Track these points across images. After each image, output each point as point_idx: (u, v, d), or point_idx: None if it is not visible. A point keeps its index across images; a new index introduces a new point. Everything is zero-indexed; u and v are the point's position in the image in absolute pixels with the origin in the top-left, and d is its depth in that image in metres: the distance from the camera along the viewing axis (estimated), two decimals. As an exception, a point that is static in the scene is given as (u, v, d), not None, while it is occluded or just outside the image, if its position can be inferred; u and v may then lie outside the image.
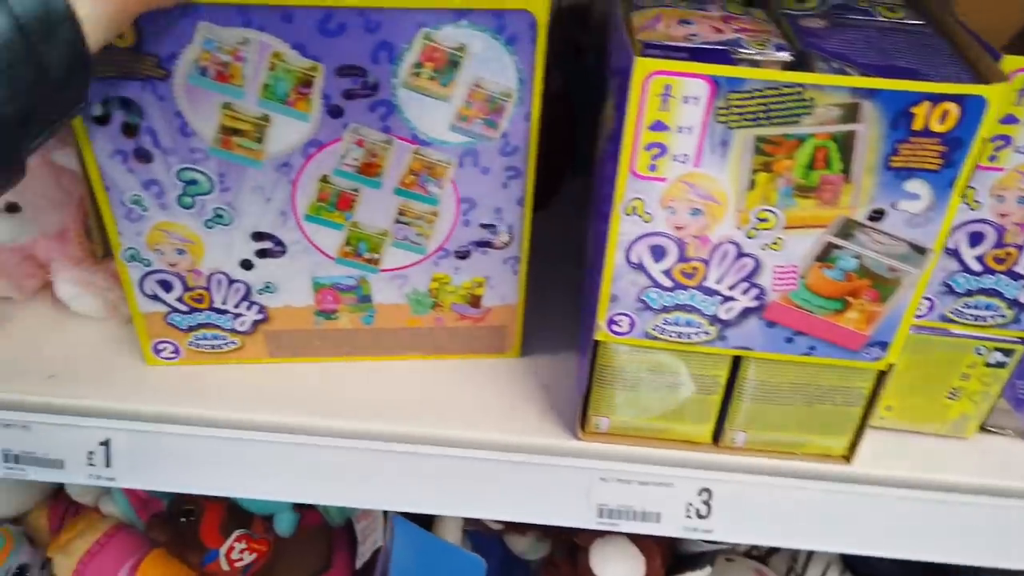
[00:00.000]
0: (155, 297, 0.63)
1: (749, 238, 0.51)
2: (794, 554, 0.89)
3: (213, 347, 0.67)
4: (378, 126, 0.55)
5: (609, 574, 0.77)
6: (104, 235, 0.60)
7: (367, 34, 0.51)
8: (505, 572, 0.92)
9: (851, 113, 0.46)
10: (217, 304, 0.64)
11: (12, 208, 0.66)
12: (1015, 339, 0.59)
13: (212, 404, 0.64)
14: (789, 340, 0.55)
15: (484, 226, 0.62)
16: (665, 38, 0.49)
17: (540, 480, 0.63)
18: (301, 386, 0.66)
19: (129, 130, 0.54)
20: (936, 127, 0.46)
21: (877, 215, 0.49)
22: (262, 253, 0.61)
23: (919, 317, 0.59)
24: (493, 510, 0.65)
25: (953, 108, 0.45)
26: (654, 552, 0.78)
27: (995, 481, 0.62)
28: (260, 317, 0.65)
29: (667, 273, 0.53)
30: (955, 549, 0.63)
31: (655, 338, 0.56)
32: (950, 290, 0.58)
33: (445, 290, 0.65)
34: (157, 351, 0.67)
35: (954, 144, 0.46)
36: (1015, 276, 0.56)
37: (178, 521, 0.83)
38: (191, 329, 0.65)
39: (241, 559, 0.84)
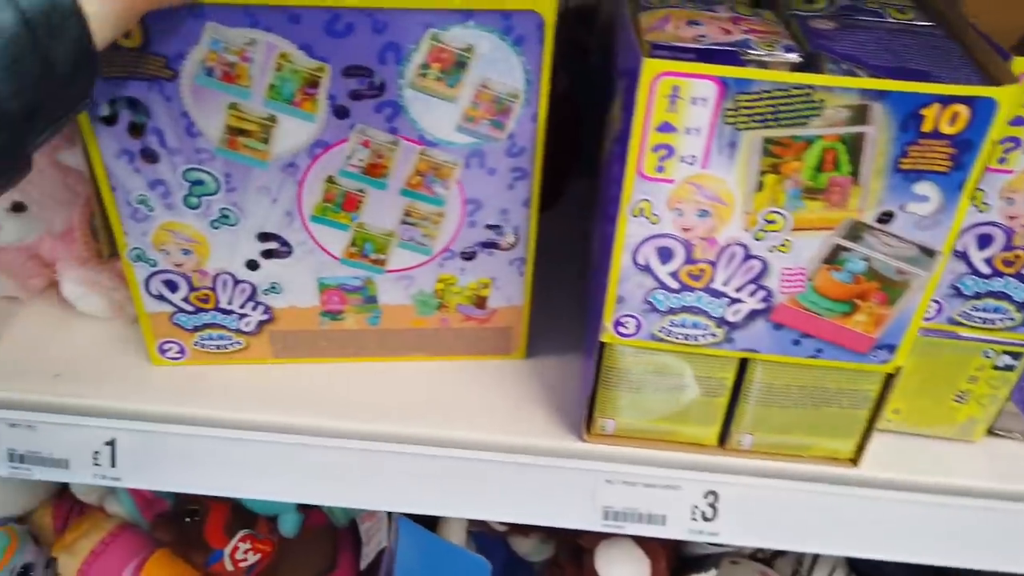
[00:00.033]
0: (161, 297, 0.63)
1: (757, 240, 0.51)
2: (799, 557, 0.89)
3: (218, 347, 0.67)
4: (384, 127, 0.55)
5: (614, 576, 0.77)
6: (110, 235, 0.60)
7: (374, 35, 0.51)
8: (509, 574, 0.92)
9: (860, 115, 0.45)
10: (223, 304, 0.64)
11: (18, 207, 0.66)
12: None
13: (217, 404, 0.64)
14: (796, 342, 0.55)
15: (490, 227, 0.62)
16: (673, 39, 0.49)
17: (545, 482, 0.63)
18: (306, 387, 0.66)
19: (135, 130, 0.54)
20: (946, 129, 0.46)
21: (886, 217, 0.49)
22: (268, 254, 0.61)
23: (927, 319, 0.58)
24: (498, 512, 0.64)
25: (963, 110, 0.45)
26: (659, 554, 0.78)
27: (1002, 485, 0.62)
28: (265, 317, 0.65)
29: (674, 275, 0.53)
30: (962, 553, 0.63)
31: (661, 340, 0.56)
32: (958, 293, 0.57)
33: (451, 291, 0.65)
34: (162, 351, 0.67)
35: (964, 146, 0.46)
36: (1024, 279, 0.56)
37: (183, 521, 0.83)
38: (196, 329, 0.65)
39: (245, 559, 0.84)
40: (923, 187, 0.48)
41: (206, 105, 0.53)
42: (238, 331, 0.66)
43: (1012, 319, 0.58)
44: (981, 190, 0.53)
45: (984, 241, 0.55)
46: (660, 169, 0.49)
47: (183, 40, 0.51)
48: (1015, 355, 0.59)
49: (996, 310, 0.58)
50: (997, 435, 0.65)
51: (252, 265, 0.62)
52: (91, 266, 0.70)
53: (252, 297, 0.64)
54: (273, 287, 0.63)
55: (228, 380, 0.66)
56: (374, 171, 0.57)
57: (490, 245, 0.63)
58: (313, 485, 0.64)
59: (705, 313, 0.54)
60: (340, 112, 0.54)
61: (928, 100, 0.45)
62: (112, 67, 0.51)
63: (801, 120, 0.46)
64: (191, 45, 0.51)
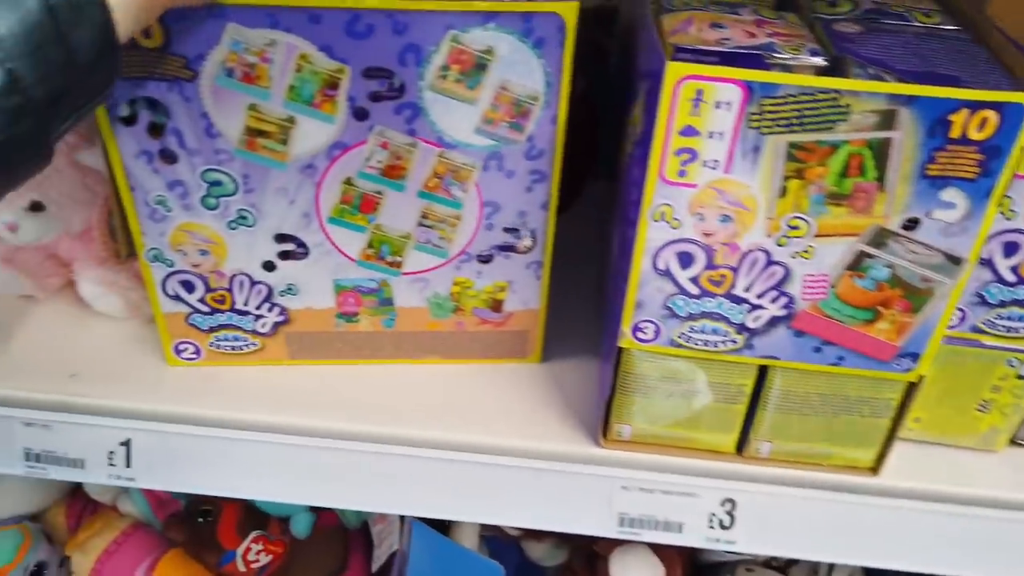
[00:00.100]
0: (177, 298, 0.63)
1: (779, 246, 0.50)
2: (815, 566, 0.88)
3: (234, 348, 0.67)
4: (403, 129, 0.55)
5: (628, 583, 0.77)
6: (128, 235, 0.60)
7: (394, 36, 0.51)
8: (521, 578, 0.91)
9: (887, 120, 0.45)
10: (239, 305, 0.64)
11: (37, 207, 0.66)
12: (1049, 352, 0.58)
13: (232, 406, 0.64)
14: (817, 350, 0.54)
15: (507, 230, 0.61)
16: (697, 42, 0.49)
17: (561, 488, 0.63)
18: (321, 389, 0.66)
19: (155, 130, 0.54)
20: (974, 135, 0.45)
21: (911, 224, 0.48)
22: (285, 255, 0.61)
23: (950, 328, 0.58)
24: (513, 517, 0.64)
25: (992, 116, 0.44)
26: (675, 561, 0.77)
27: (1025, 496, 0.61)
28: (281, 319, 0.65)
29: (694, 280, 0.52)
30: (983, 564, 0.62)
31: (680, 346, 0.56)
32: (983, 301, 0.56)
33: (467, 294, 0.65)
34: (178, 352, 0.67)
35: (992, 152, 0.45)
36: (1050, 287, 0.55)
37: (195, 521, 0.83)
38: (212, 330, 0.65)
39: (257, 560, 0.84)
40: (950, 194, 0.47)
41: (225, 106, 0.53)
42: (254, 332, 0.66)
43: (1037, 328, 0.57)
44: (1008, 197, 0.52)
45: (1010, 249, 0.54)
46: (682, 173, 0.48)
47: (203, 41, 0.51)
48: (1040, 365, 0.59)
49: (1021, 319, 0.57)
50: (1020, 445, 0.64)
51: (269, 266, 0.62)
52: (109, 266, 0.70)
53: (268, 298, 0.64)
54: (289, 288, 0.63)
55: (243, 381, 0.66)
56: (392, 173, 0.57)
57: (507, 248, 0.62)
58: (327, 488, 0.64)
59: (725, 319, 0.54)
60: (359, 114, 0.54)
61: (957, 105, 0.44)
62: (132, 67, 0.51)
63: (827, 125, 0.45)
64: (211, 46, 0.51)
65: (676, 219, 0.50)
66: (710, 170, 0.48)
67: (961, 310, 0.57)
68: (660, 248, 0.51)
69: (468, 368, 0.69)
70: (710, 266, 0.52)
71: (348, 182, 0.57)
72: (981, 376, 0.60)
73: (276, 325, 0.65)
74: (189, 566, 0.85)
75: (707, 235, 0.50)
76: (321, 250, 0.61)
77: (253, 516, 0.85)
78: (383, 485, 0.64)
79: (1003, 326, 0.57)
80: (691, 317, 0.54)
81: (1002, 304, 0.56)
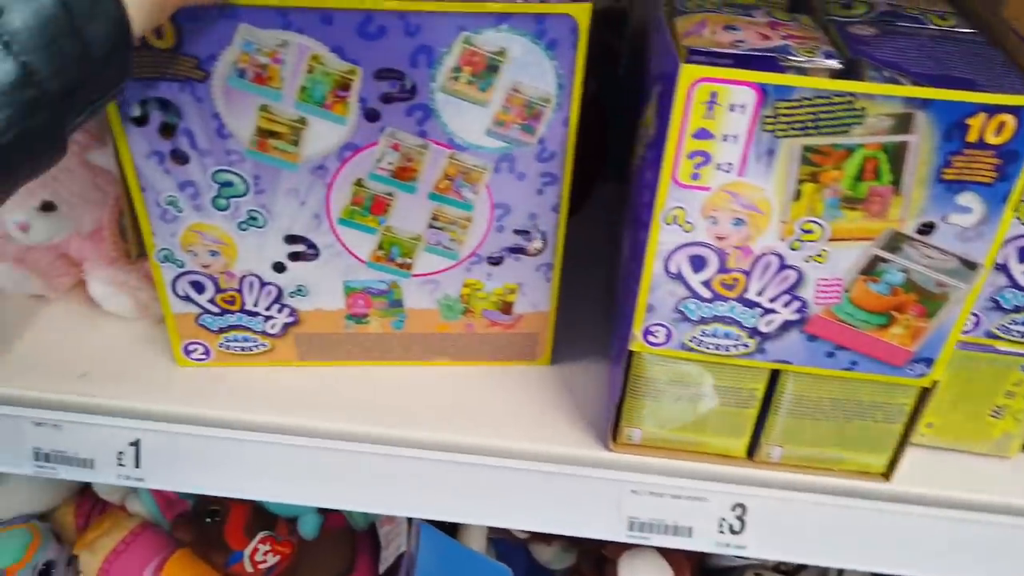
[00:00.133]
0: (187, 298, 0.63)
1: (793, 250, 0.50)
2: (825, 571, 0.87)
3: (243, 349, 0.67)
4: (414, 130, 0.55)
5: (636, 587, 0.76)
6: (138, 235, 0.60)
7: (407, 37, 0.51)
8: (529, 581, 0.91)
9: (903, 124, 0.44)
10: (248, 306, 0.64)
11: (48, 207, 0.66)
12: (1064, 358, 0.58)
13: (241, 406, 0.64)
14: (830, 354, 0.54)
15: (518, 232, 0.61)
16: (711, 44, 0.48)
17: (570, 491, 0.62)
18: (330, 390, 0.66)
19: (166, 131, 0.54)
20: (991, 139, 0.44)
21: (926, 228, 0.48)
22: (295, 256, 0.61)
23: (964, 333, 0.57)
24: (522, 520, 0.64)
25: (1010, 120, 0.44)
26: (683, 566, 0.77)
27: (1038, 503, 0.60)
28: (291, 320, 0.65)
29: (706, 284, 0.52)
30: (995, 571, 0.62)
31: (692, 350, 0.55)
32: (997, 306, 0.56)
33: (476, 296, 0.65)
34: (188, 352, 0.66)
35: (1009, 157, 0.45)
36: (1066, 293, 0.55)
37: (203, 521, 0.83)
38: (222, 331, 0.65)
39: (265, 561, 0.84)
40: (966, 198, 0.46)
41: (237, 107, 0.53)
42: (263, 333, 0.66)
43: (1053, 334, 0.57)
44: (1024, 201, 0.51)
45: (1026, 254, 0.53)
46: (695, 176, 0.48)
47: (216, 41, 0.50)
48: (1054, 370, 0.58)
49: (1036, 324, 0.56)
50: (1033, 451, 0.64)
51: (279, 267, 0.61)
52: (119, 266, 0.70)
53: (278, 299, 0.63)
54: (299, 289, 0.63)
55: (252, 382, 0.66)
56: (403, 175, 0.57)
57: (517, 250, 0.62)
58: (335, 489, 0.64)
59: (737, 323, 0.53)
60: (371, 115, 0.54)
61: (974, 109, 0.44)
62: (144, 68, 0.51)
63: (842, 128, 0.45)
64: (223, 46, 0.51)
65: (689, 222, 0.50)
66: (724, 173, 0.47)
67: (975, 315, 0.56)
68: (672, 251, 0.51)
69: (477, 370, 0.69)
70: (722, 270, 0.51)
71: (359, 183, 0.57)
72: (995, 382, 0.60)
73: (286, 326, 0.65)
74: (197, 566, 0.85)
75: (720, 238, 0.50)
76: (331, 251, 0.61)
77: (261, 517, 0.85)
78: (391, 487, 0.64)
79: (1017, 331, 0.57)
80: (703, 321, 0.54)
81: (1016, 309, 0.56)
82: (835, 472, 0.61)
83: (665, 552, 0.77)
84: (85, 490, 0.92)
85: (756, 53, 0.48)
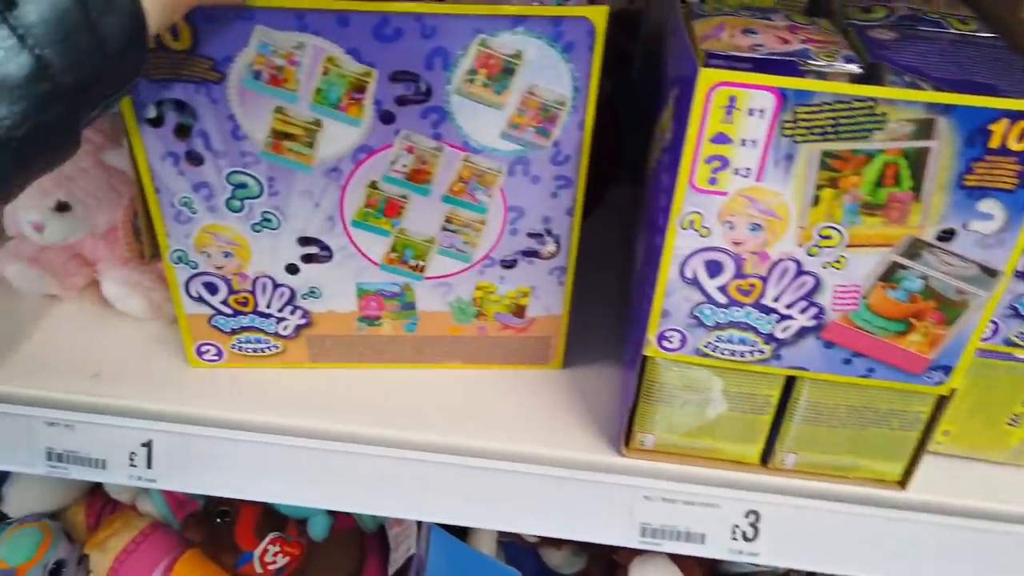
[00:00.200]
0: (200, 299, 0.63)
1: (810, 256, 0.49)
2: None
3: (256, 351, 0.67)
4: (429, 133, 0.55)
5: (647, 592, 0.76)
6: (152, 236, 0.60)
7: (422, 40, 0.51)
8: (538, 585, 0.91)
9: (925, 129, 0.44)
10: (261, 308, 0.64)
11: (63, 207, 0.66)
12: (1084, 366, 0.57)
13: (253, 408, 0.63)
14: (847, 361, 0.53)
15: (532, 235, 0.61)
16: (730, 48, 0.48)
17: (582, 496, 0.62)
18: (342, 392, 0.66)
19: (182, 132, 0.54)
20: (1014, 145, 0.44)
21: (946, 235, 0.47)
22: (308, 258, 0.61)
23: (983, 340, 0.56)
24: (533, 525, 0.63)
25: (1033, 126, 0.43)
26: (695, 572, 0.76)
27: (1057, 513, 0.59)
28: (303, 322, 0.65)
29: (722, 289, 0.52)
30: (1012, 582, 0.61)
31: (707, 355, 0.55)
32: (1016, 313, 0.55)
33: (489, 299, 0.64)
34: (200, 353, 0.66)
35: (1032, 163, 0.44)
36: (1087, 301, 0.54)
37: (213, 522, 0.83)
38: (234, 332, 0.65)
39: (275, 562, 0.84)
40: (987, 205, 0.46)
41: (252, 108, 0.53)
42: (276, 335, 0.66)
43: (1073, 342, 0.56)
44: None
45: (1046, 261, 0.53)
46: (713, 181, 0.47)
47: (232, 43, 0.50)
48: (1074, 379, 0.57)
49: (1056, 332, 0.56)
50: (1051, 461, 0.63)
51: (292, 269, 0.61)
52: (133, 267, 0.70)
53: (291, 301, 0.63)
54: (312, 291, 0.63)
55: (264, 384, 0.66)
56: (417, 177, 0.57)
57: (531, 254, 0.62)
58: (347, 492, 0.64)
59: (753, 329, 0.53)
60: (386, 117, 0.54)
61: (997, 115, 0.43)
62: (160, 69, 0.51)
63: (863, 134, 0.44)
64: (239, 48, 0.51)
65: (705, 227, 0.49)
66: (741, 178, 0.47)
67: (994, 323, 0.56)
68: (688, 256, 0.51)
69: (489, 373, 0.69)
70: (739, 275, 0.51)
71: (373, 186, 0.57)
72: (1013, 390, 0.59)
73: (298, 328, 0.65)
74: (206, 567, 0.85)
75: (737, 244, 0.49)
76: (344, 253, 0.61)
77: (271, 518, 0.85)
78: (402, 490, 0.64)
79: (1036, 339, 0.56)
80: (718, 326, 0.53)
81: (1036, 317, 0.55)
82: (850, 480, 0.60)
83: (676, 558, 0.77)
84: (96, 489, 0.92)
85: (775, 57, 0.47)
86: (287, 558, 0.85)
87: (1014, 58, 0.50)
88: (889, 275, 0.49)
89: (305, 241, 0.60)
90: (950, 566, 0.61)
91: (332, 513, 0.87)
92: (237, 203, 0.58)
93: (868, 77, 0.47)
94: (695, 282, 0.52)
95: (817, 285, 0.50)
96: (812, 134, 0.45)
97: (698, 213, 0.49)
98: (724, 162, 0.47)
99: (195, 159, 0.55)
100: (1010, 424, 0.61)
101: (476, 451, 0.62)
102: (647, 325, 0.54)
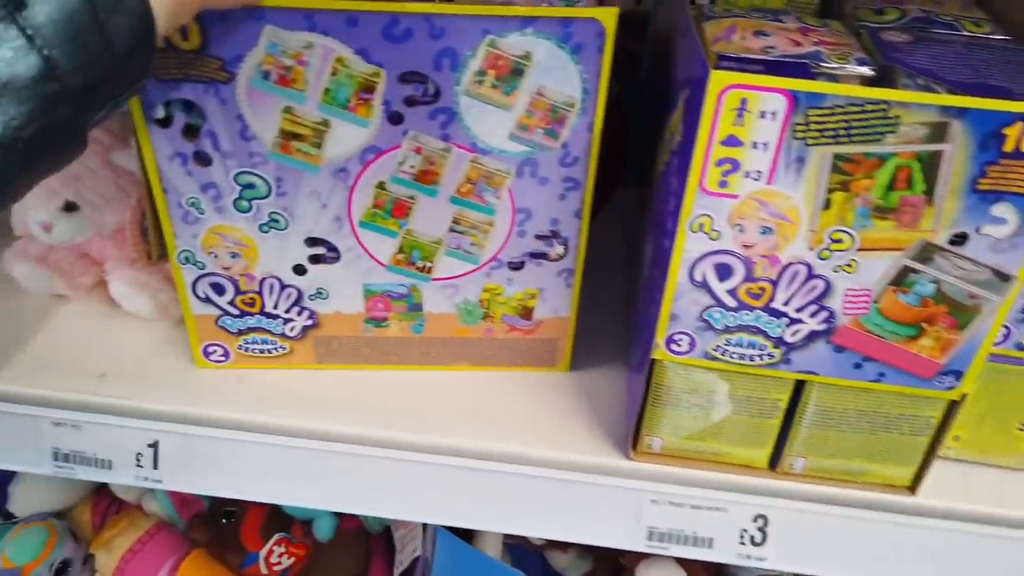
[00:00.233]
0: (207, 300, 0.63)
1: (821, 259, 0.49)
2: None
3: (262, 351, 0.66)
4: (437, 134, 0.55)
5: (653, 596, 0.76)
6: (160, 236, 0.60)
7: (431, 40, 0.50)
8: (544, 587, 0.90)
9: (938, 133, 0.43)
10: (268, 309, 0.64)
11: (71, 207, 0.66)
12: (1096, 372, 0.56)
13: (259, 409, 0.63)
14: (858, 366, 0.53)
15: (539, 237, 0.60)
16: (741, 50, 0.47)
17: (589, 499, 0.62)
18: (348, 394, 0.66)
19: (190, 133, 0.54)
20: (1028, 149, 0.43)
21: (959, 239, 0.47)
22: (315, 259, 0.61)
23: (994, 345, 0.56)
24: (540, 528, 0.63)
25: (1048, 130, 0.43)
26: (701, 576, 0.76)
27: (1068, 519, 0.59)
28: (310, 323, 0.65)
29: (732, 293, 0.51)
30: (1022, 588, 0.61)
31: (715, 359, 0.55)
32: (1028, 318, 0.55)
33: (496, 301, 0.64)
34: (207, 354, 0.66)
35: (1047, 167, 0.44)
36: (1100, 306, 0.54)
37: (219, 522, 0.83)
38: (241, 333, 0.65)
39: (280, 563, 0.84)
40: (1001, 209, 0.45)
41: (261, 108, 0.53)
42: (282, 336, 0.65)
43: (1085, 347, 0.55)
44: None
45: (1059, 265, 0.52)
46: (723, 184, 0.47)
47: (241, 43, 0.50)
48: (1086, 385, 0.57)
49: (1068, 337, 0.55)
50: (1062, 466, 0.63)
51: (299, 270, 0.61)
52: (140, 267, 0.70)
53: (297, 302, 0.63)
54: (319, 292, 0.63)
55: (271, 385, 0.66)
56: (425, 178, 0.57)
57: (538, 255, 0.61)
58: (353, 494, 0.64)
59: (763, 333, 0.53)
60: (394, 118, 0.54)
61: (1011, 119, 0.43)
62: (169, 69, 0.51)
63: (875, 137, 0.44)
64: (249, 48, 0.50)
65: (715, 230, 0.49)
66: (752, 181, 0.47)
67: (1006, 327, 0.55)
68: (698, 259, 0.50)
69: (496, 375, 0.68)
70: (749, 278, 0.50)
71: (381, 186, 0.57)
72: (1024, 395, 0.59)
73: (305, 329, 0.65)
74: (212, 567, 0.85)
75: (747, 247, 0.49)
76: (352, 254, 0.60)
77: (276, 518, 0.85)
78: (408, 492, 0.63)
79: (1049, 344, 0.56)
80: (727, 330, 0.53)
81: (1049, 322, 0.55)
82: (859, 485, 0.60)
83: (683, 562, 0.76)
84: (102, 489, 0.92)
85: (787, 59, 0.47)
86: (292, 559, 0.85)
87: (1028, 61, 0.49)
88: (901, 279, 0.49)
89: (312, 242, 0.60)
90: (960, 572, 0.61)
91: (338, 514, 0.87)
92: (245, 204, 0.57)
93: (881, 80, 0.47)
94: (704, 285, 0.51)
95: (828, 289, 0.50)
96: (824, 137, 0.44)
97: (708, 216, 0.48)
98: (735, 165, 0.46)
99: (203, 159, 0.55)
100: (1021, 429, 0.60)
101: (482, 453, 0.62)
102: (655, 328, 0.54)
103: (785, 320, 0.52)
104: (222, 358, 0.67)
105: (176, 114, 0.53)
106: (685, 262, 0.51)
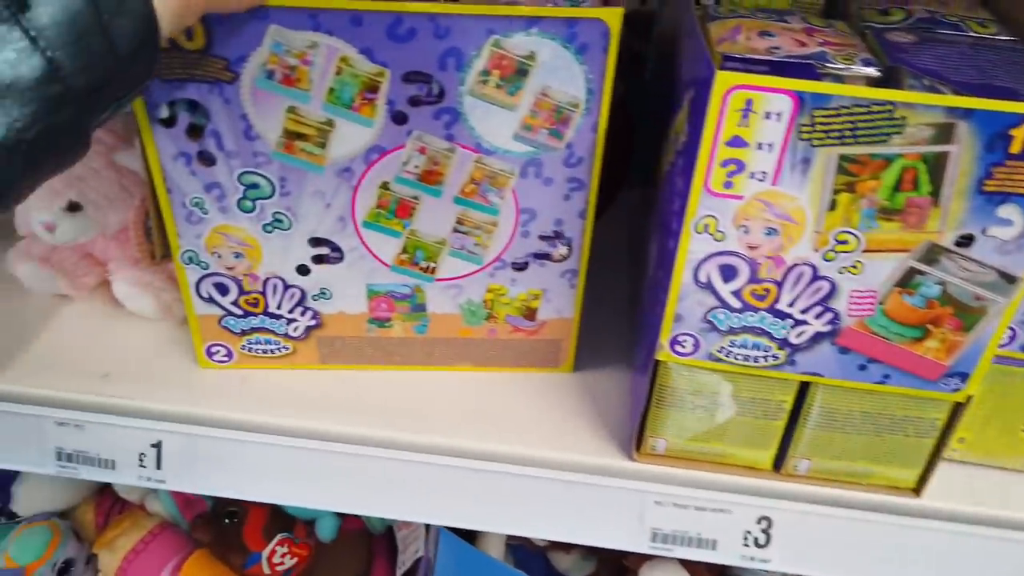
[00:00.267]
0: (211, 300, 0.63)
1: (826, 260, 0.49)
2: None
3: (265, 352, 0.66)
4: (441, 134, 0.54)
5: (656, 597, 0.75)
6: (163, 236, 0.60)
7: (436, 40, 0.50)
8: (546, 588, 0.90)
9: (945, 134, 0.43)
10: (272, 309, 0.63)
11: (74, 207, 0.66)
12: (1102, 374, 0.56)
13: (262, 409, 0.63)
14: (862, 367, 0.53)
15: (543, 238, 0.60)
16: (746, 51, 0.47)
17: (592, 500, 0.61)
18: (352, 394, 0.65)
19: (194, 132, 0.54)
20: (1035, 150, 0.43)
21: (965, 241, 0.47)
22: (319, 259, 0.61)
23: (1000, 347, 0.56)
24: (543, 529, 0.63)
25: (1055, 131, 0.43)
26: (704, 577, 0.76)
27: (1074, 522, 0.59)
28: (313, 323, 0.65)
29: (736, 294, 0.51)
30: (1027, 591, 0.60)
31: (720, 360, 0.54)
32: (1034, 320, 0.55)
33: (500, 302, 0.64)
34: (210, 354, 0.66)
35: (1053, 169, 0.44)
36: (1106, 308, 0.53)
37: (222, 522, 0.83)
38: (244, 333, 0.65)
39: (282, 563, 0.84)
40: (1007, 210, 0.45)
41: (265, 108, 0.53)
42: (286, 336, 0.65)
43: (1091, 349, 0.55)
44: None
45: (1066, 267, 0.52)
46: (728, 185, 0.47)
47: (246, 42, 0.50)
48: (1092, 387, 0.57)
49: (1074, 339, 0.55)
50: (1068, 469, 0.62)
51: (303, 270, 0.61)
52: (143, 267, 0.70)
53: (301, 302, 0.63)
54: (322, 292, 0.63)
55: (274, 385, 0.66)
56: (429, 178, 0.56)
57: (542, 256, 0.61)
58: (356, 494, 0.64)
59: (767, 334, 0.52)
60: (398, 118, 0.53)
61: (1018, 120, 0.42)
62: (173, 69, 0.51)
63: (881, 138, 0.44)
64: (253, 47, 0.50)
65: (720, 231, 0.49)
66: (757, 182, 0.46)
67: (1012, 329, 0.55)
68: (702, 260, 0.50)
69: (499, 376, 0.68)
70: (754, 280, 0.50)
71: (384, 186, 0.57)
72: (1030, 397, 0.58)
73: (308, 329, 0.65)
74: (215, 567, 0.85)
75: (752, 248, 0.49)
76: (355, 255, 0.60)
77: (279, 519, 0.85)
78: (411, 492, 0.63)
79: (1054, 346, 0.56)
80: (732, 331, 0.53)
81: (1054, 324, 0.55)
82: (864, 487, 0.59)
83: (687, 563, 0.76)
84: (105, 489, 0.92)
85: (793, 60, 0.47)
86: (295, 559, 0.85)
87: (1034, 61, 0.49)
88: (906, 281, 0.49)
89: (316, 242, 0.60)
90: (965, 574, 0.60)
91: (340, 515, 0.86)
92: (249, 203, 0.57)
93: (886, 81, 0.47)
94: (709, 286, 0.51)
95: (833, 290, 0.50)
96: (830, 138, 0.44)
97: (713, 217, 0.48)
98: (740, 166, 0.46)
99: (207, 159, 0.55)
100: (1026, 432, 0.60)
101: (486, 454, 0.62)
102: (660, 329, 0.54)
103: (790, 321, 0.52)
104: (225, 358, 0.67)
105: (180, 114, 0.53)
106: (690, 263, 0.51)
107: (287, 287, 0.62)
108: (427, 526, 0.83)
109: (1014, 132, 0.43)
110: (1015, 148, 0.43)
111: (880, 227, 0.47)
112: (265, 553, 0.83)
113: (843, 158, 0.45)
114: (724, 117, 0.45)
